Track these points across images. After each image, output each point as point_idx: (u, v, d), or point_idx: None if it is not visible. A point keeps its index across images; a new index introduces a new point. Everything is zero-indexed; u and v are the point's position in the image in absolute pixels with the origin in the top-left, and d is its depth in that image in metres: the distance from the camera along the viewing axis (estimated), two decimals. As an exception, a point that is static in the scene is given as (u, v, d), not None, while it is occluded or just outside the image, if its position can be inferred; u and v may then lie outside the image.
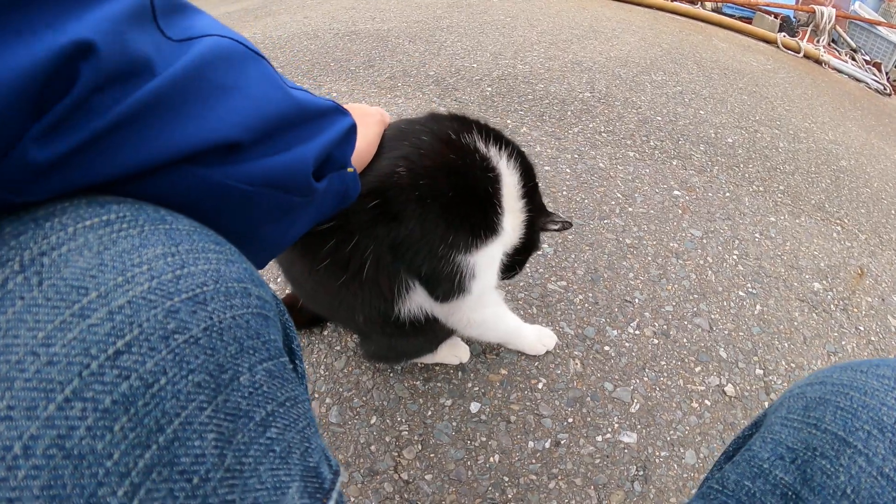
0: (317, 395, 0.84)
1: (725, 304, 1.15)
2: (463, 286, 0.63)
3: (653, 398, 0.89)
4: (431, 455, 0.76)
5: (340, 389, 0.85)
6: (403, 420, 0.80)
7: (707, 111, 2.07)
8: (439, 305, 0.67)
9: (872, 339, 1.24)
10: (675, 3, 5.17)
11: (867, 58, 5.20)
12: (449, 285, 0.62)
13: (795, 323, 1.19)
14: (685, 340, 1.01)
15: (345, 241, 0.56)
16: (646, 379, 0.91)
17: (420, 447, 0.77)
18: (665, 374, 0.93)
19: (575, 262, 1.17)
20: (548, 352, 0.92)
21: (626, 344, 0.98)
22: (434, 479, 0.73)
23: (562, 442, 0.79)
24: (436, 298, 0.65)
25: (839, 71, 4.49)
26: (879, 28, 5.71)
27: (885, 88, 4.49)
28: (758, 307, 1.17)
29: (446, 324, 0.71)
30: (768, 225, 1.50)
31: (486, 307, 0.73)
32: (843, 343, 1.19)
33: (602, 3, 4.42)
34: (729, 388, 0.96)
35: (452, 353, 0.85)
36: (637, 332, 1.00)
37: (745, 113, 2.15)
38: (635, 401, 0.87)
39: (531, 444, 0.78)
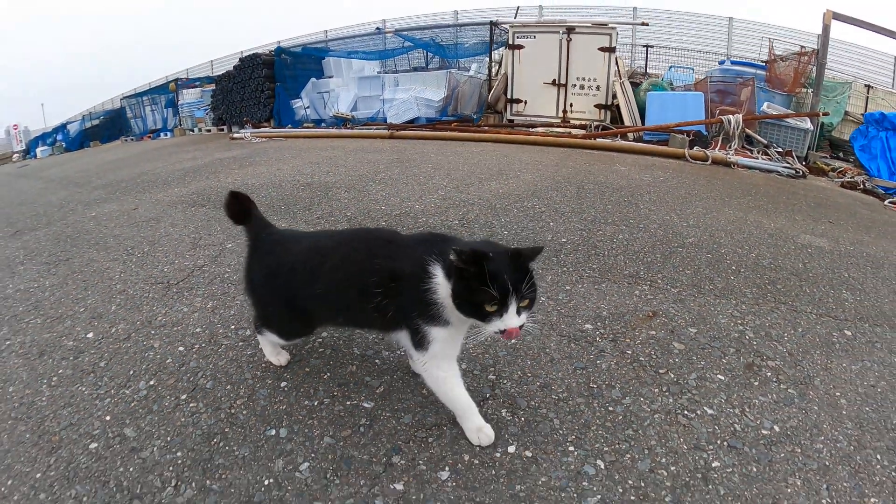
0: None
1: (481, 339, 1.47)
2: (424, 345, 1.05)
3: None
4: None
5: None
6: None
7: (557, 222, 2.63)
8: (417, 352, 1.07)
9: (641, 358, 1.48)
10: (596, 140, 6.33)
11: (780, 149, 6.10)
12: (418, 338, 1.06)
13: (547, 350, 1.49)
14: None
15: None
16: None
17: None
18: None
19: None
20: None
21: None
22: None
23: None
24: (413, 342, 1.07)
25: (750, 167, 5.29)
26: (788, 120, 6.77)
27: (797, 172, 5.26)
28: (513, 341, 1.40)
29: (419, 360, 1.10)
30: (560, 290, 1.86)
31: (439, 370, 1.09)
32: (599, 362, 1.45)
33: (525, 148, 5.49)
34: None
35: (277, 357, 1.39)
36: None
37: (598, 219, 2.71)
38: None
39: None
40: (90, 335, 1.64)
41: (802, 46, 8.69)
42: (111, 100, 18.08)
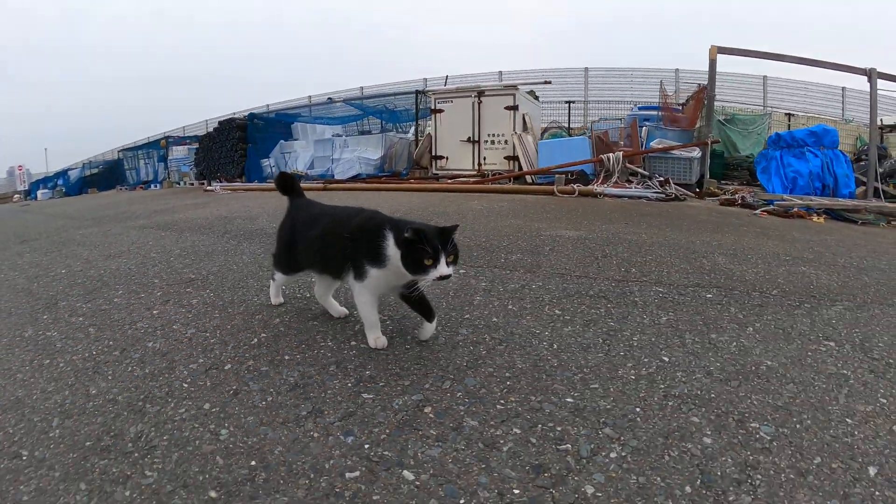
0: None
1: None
2: (362, 277, 1.56)
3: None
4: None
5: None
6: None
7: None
8: (354, 280, 1.59)
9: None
10: (490, 184, 7.74)
11: (661, 178, 7.05)
12: (360, 272, 1.56)
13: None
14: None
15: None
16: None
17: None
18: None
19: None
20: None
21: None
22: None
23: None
24: (355, 274, 1.57)
25: (619, 196, 6.29)
26: (675, 151, 7.64)
27: (669, 195, 6.26)
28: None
29: (353, 287, 1.62)
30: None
31: (366, 295, 1.60)
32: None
33: (421, 194, 7.00)
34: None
35: (276, 298, 2.15)
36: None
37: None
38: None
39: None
40: (63, 271, 3.28)
41: (699, 84, 9.48)
42: (111, 151, 20.03)
